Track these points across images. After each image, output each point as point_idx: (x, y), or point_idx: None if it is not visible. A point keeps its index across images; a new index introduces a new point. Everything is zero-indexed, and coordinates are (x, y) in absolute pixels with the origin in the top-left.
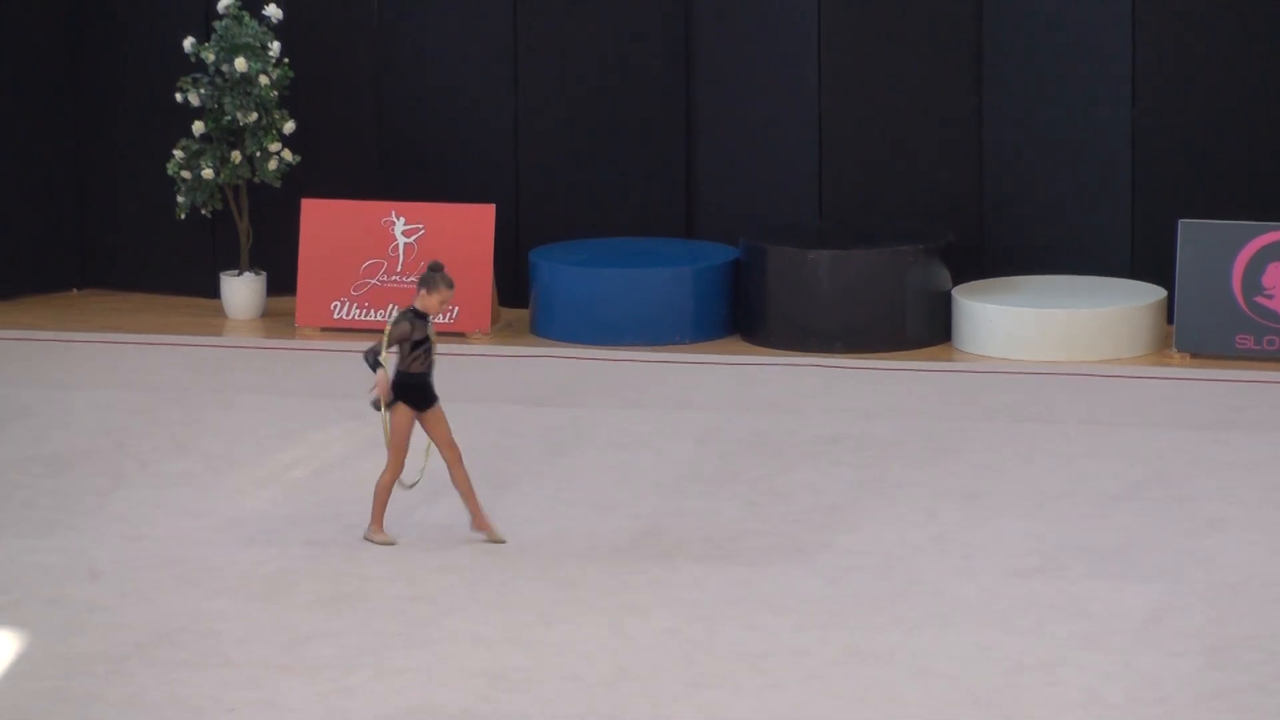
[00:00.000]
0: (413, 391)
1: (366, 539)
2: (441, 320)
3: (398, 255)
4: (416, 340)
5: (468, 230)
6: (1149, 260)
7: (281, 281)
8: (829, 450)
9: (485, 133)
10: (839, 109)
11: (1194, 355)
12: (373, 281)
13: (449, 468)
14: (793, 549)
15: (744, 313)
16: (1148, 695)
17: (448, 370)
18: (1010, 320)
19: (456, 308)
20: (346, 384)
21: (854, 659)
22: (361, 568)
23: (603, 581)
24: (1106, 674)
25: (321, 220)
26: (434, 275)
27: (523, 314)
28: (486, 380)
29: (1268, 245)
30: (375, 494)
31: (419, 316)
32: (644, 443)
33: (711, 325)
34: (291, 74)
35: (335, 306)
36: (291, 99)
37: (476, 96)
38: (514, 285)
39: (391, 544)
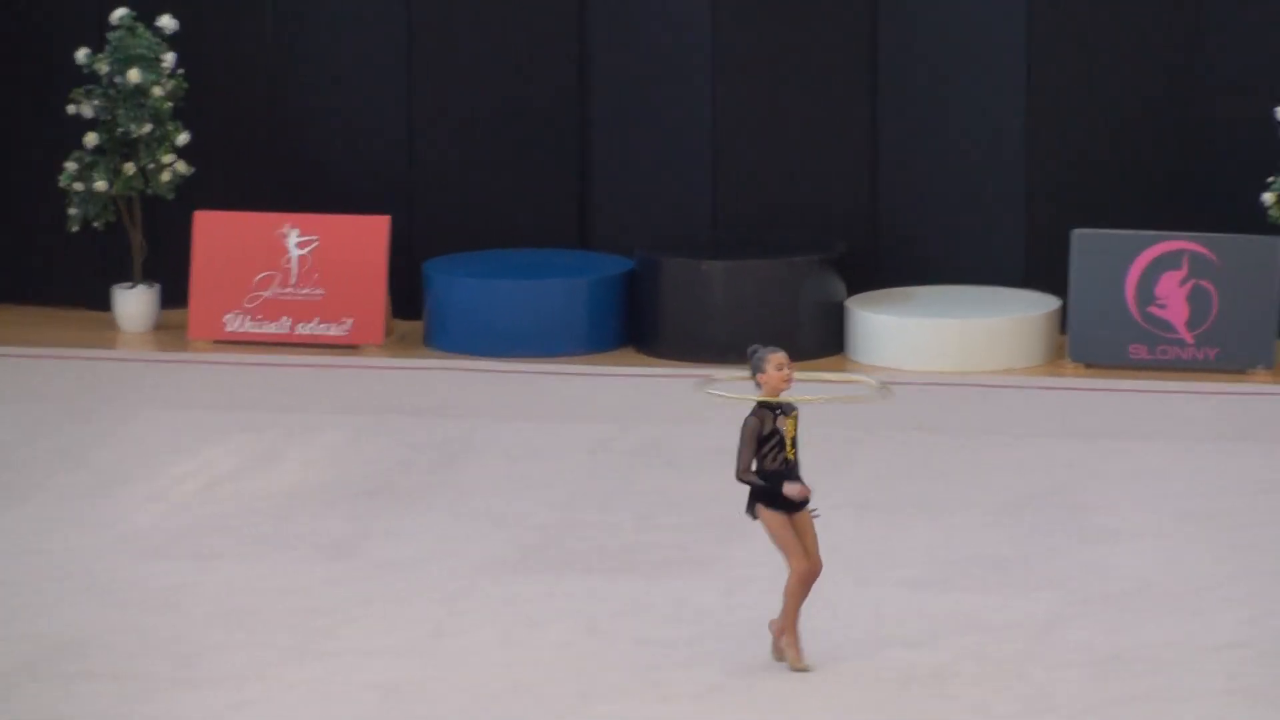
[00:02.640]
0: (770, 494)
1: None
2: (340, 333)
3: (291, 268)
4: (765, 434)
5: (361, 242)
6: (1043, 270)
7: (174, 294)
8: (723, 462)
9: (379, 145)
10: (733, 120)
11: (1088, 365)
12: (266, 294)
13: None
14: (687, 561)
15: (638, 324)
16: (1039, 706)
17: (340, 383)
18: (904, 331)
19: (351, 319)
20: (238, 397)
21: (747, 671)
22: (255, 581)
23: (496, 594)
24: (998, 686)
25: (215, 232)
26: (752, 357)
27: (416, 326)
28: (380, 392)
29: (1161, 255)
30: (784, 599)
31: (764, 407)
32: (538, 454)
33: (605, 336)
34: (185, 85)
35: (228, 319)
36: (185, 110)
37: (371, 109)
38: (408, 297)
39: (806, 670)
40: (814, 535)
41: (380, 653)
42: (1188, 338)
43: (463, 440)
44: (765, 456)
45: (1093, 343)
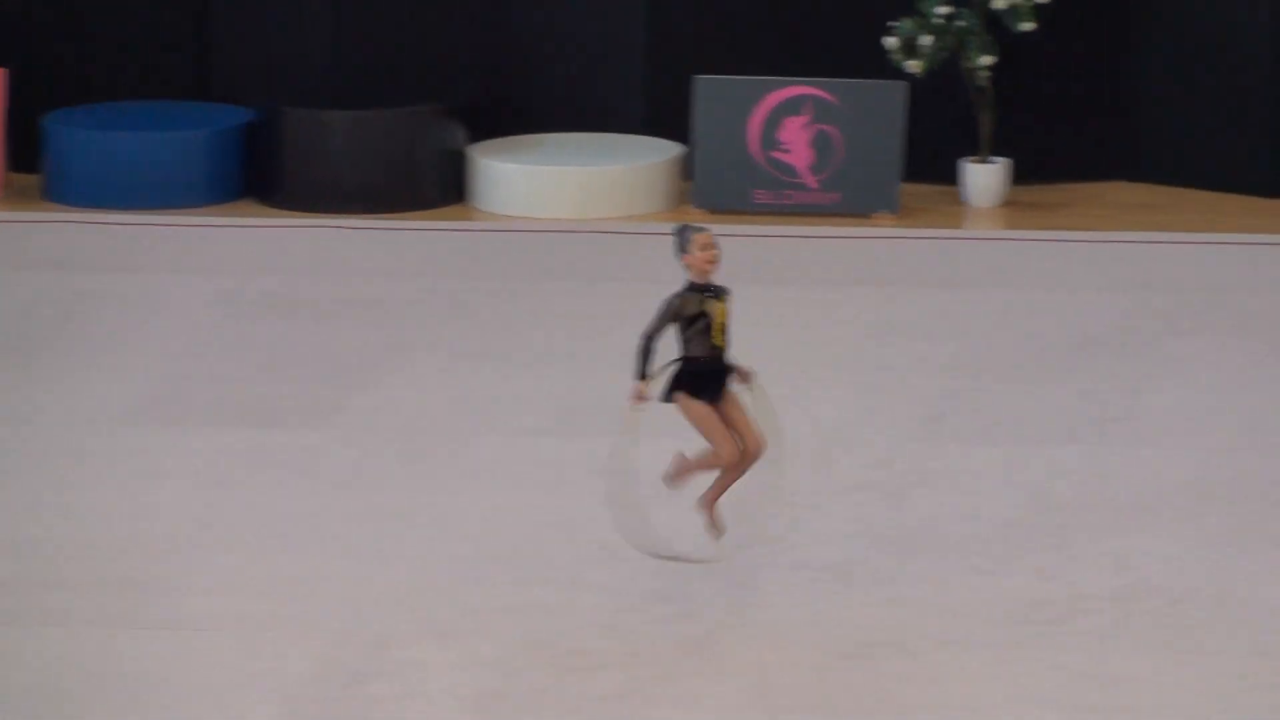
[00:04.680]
0: (693, 381)
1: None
2: None
3: None
4: (689, 317)
5: None
6: (665, 117)
7: None
8: (346, 312)
9: None
10: None
11: (712, 211)
12: None
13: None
14: (310, 411)
15: (260, 175)
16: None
17: None
18: (526, 178)
19: None
20: None
21: (373, 520)
22: None
23: (117, 447)
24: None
25: None
26: (678, 235)
27: (35, 180)
28: None
29: (784, 100)
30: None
31: (691, 289)
32: (159, 307)
33: (227, 188)
34: None
35: None
36: None
37: None
38: (26, 151)
39: (720, 533)
40: (744, 415)
41: (1, 510)
42: (811, 183)
43: (83, 293)
44: (691, 340)
45: (716, 188)
